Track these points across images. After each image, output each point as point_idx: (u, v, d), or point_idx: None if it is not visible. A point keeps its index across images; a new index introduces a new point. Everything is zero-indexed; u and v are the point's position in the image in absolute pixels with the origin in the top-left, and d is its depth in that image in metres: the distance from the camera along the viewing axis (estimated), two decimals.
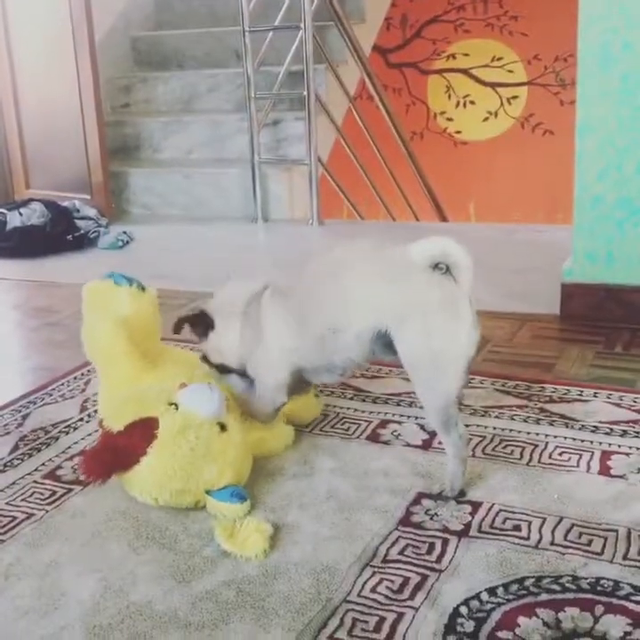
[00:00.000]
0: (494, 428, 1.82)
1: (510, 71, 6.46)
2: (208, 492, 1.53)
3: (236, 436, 1.61)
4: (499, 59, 6.48)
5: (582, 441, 1.74)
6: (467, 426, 1.81)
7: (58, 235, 3.77)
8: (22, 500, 1.62)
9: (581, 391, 1.97)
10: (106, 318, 1.75)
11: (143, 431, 1.54)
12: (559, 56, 6.23)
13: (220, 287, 1.84)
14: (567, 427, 1.81)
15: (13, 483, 1.68)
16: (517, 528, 1.45)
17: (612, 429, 1.79)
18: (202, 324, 1.78)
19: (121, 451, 1.53)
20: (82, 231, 3.82)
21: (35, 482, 1.68)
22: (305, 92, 3.80)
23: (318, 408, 1.91)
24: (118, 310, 1.77)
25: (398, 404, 1.96)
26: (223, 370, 1.80)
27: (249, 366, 1.76)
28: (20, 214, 3.86)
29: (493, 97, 6.55)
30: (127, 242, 3.79)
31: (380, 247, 1.64)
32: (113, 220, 4.12)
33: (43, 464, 1.74)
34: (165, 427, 1.54)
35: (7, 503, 1.61)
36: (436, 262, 1.54)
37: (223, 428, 1.58)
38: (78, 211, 3.98)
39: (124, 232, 3.83)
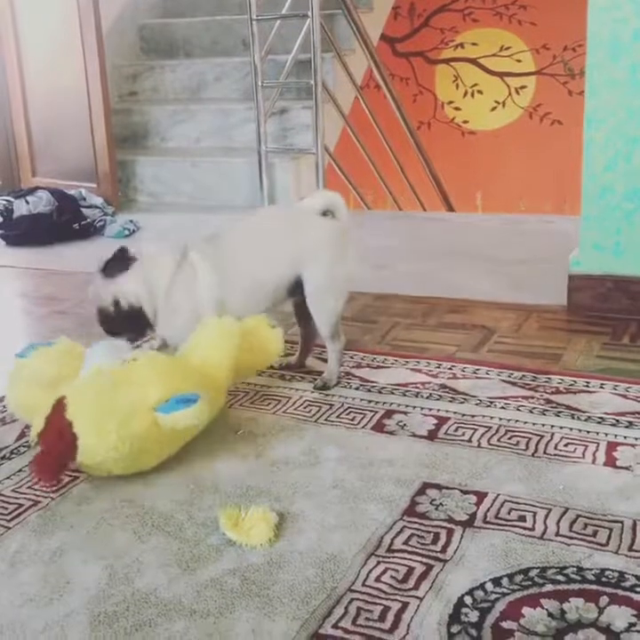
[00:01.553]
0: (500, 419, 1.82)
1: (518, 61, 6.43)
2: (156, 410, 1.55)
3: (153, 361, 1.65)
4: (507, 48, 6.44)
5: (588, 432, 1.74)
6: (472, 416, 1.83)
7: (64, 223, 3.77)
8: (28, 487, 1.62)
9: (588, 382, 1.97)
10: (14, 389, 1.77)
11: (56, 410, 1.56)
12: (568, 46, 6.19)
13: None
14: (573, 418, 1.80)
15: (20, 470, 1.69)
16: (522, 519, 1.45)
17: (618, 421, 1.78)
18: (120, 262, 1.85)
19: (56, 439, 1.54)
20: (88, 220, 3.83)
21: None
22: (312, 81, 3.79)
23: (277, 340, 1.89)
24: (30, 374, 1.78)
25: (404, 395, 1.96)
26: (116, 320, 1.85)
27: (169, 308, 1.84)
28: (27, 202, 3.86)
29: (501, 87, 6.52)
30: (133, 231, 3.79)
31: (281, 208, 2.15)
32: (120, 209, 4.13)
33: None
34: (69, 393, 1.58)
35: (13, 490, 1.61)
36: (324, 210, 1.96)
37: (130, 361, 1.64)
38: (85, 199, 3.98)
39: (131, 221, 3.83)
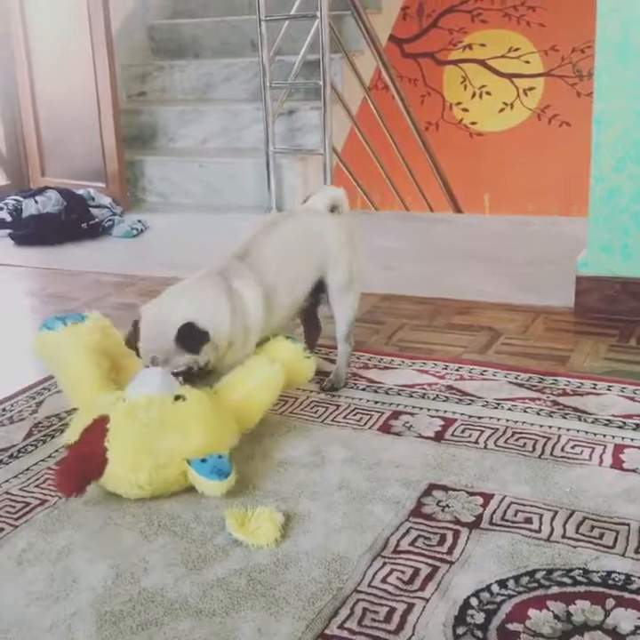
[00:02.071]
0: (507, 421, 1.81)
1: (527, 62, 6.42)
2: (190, 463, 1.53)
3: (201, 403, 1.61)
4: (515, 49, 6.43)
5: (595, 434, 1.74)
6: (479, 418, 1.83)
7: (73, 223, 3.78)
8: (35, 485, 1.63)
9: (595, 384, 1.97)
10: (61, 360, 1.76)
11: (96, 429, 1.55)
12: (576, 47, 6.18)
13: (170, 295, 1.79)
14: (580, 420, 1.80)
15: (27, 469, 1.70)
16: (529, 520, 1.45)
17: (625, 423, 1.78)
18: (201, 334, 1.68)
19: (85, 456, 1.52)
20: (96, 219, 3.84)
21: (48, 468, 1.68)
22: (320, 82, 3.79)
23: (310, 369, 1.88)
24: (63, 354, 1.76)
25: (411, 396, 1.96)
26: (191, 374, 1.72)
27: (231, 350, 1.76)
28: (36, 202, 3.88)
29: (510, 88, 6.51)
30: (141, 230, 3.80)
31: (294, 214, 2.09)
32: (128, 209, 4.13)
33: (56, 450, 1.75)
34: (114, 416, 1.56)
35: (20, 489, 1.62)
36: (332, 206, 2.00)
37: (179, 399, 1.60)
38: (93, 199, 4.00)
39: (139, 221, 3.84)
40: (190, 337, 1.67)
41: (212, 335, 1.69)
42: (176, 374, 1.69)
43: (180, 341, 1.66)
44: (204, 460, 1.53)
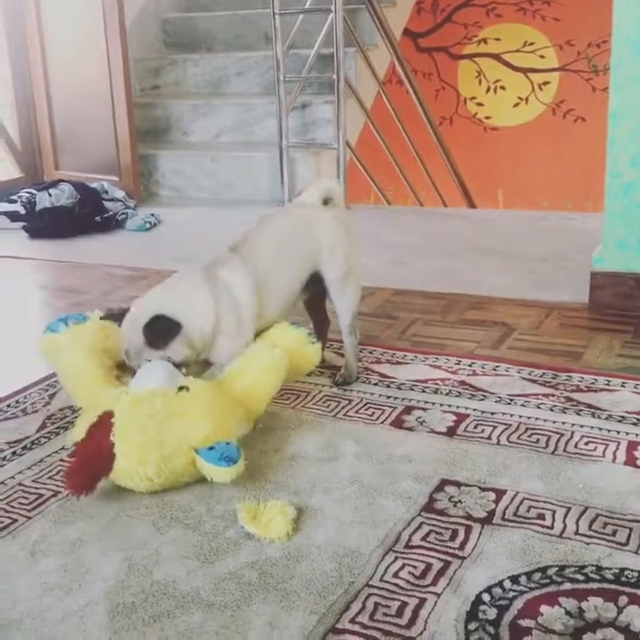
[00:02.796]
0: (520, 417, 1.81)
1: (542, 57, 6.39)
2: (197, 452, 1.53)
3: (204, 393, 1.62)
4: (530, 44, 6.40)
5: (609, 431, 1.73)
6: (492, 413, 1.82)
7: (86, 216, 3.79)
8: (49, 477, 1.63)
9: (609, 381, 1.96)
10: (63, 361, 1.77)
11: (102, 425, 1.55)
12: (592, 42, 6.15)
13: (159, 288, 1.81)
14: (594, 416, 1.79)
15: (40, 460, 1.70)
16: (541, 517, 1.44)
17: (638, 420, 1.77)
18: (167, 330, 1.69)
19: (93, 454, 1.53)
20: (110, 213, 3.85)
21: (61, 460, 1.69)
22: (334, 76, 3.78)
23: (316, 354, 1.85)
24: (65, 355, 1.77)
25: (423, 391, 1.96)
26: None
27: (220, 339, 1.76)
28: (50, 195, 3.89)
29: (524, 82, 6.48)
30: (154, 224, 3.80)
31: (290, 208, 2.09)
32: (141, 203, 4.14)
33: (72, 446, 1.75)
34: (118, 410, 1.56)
35: (34, 481, 1.63)
36: (325, 200, 1.99)
37: (182, 389, 1.60)
38: (107, 192, 4.01)
39: (152, 214, 3.85)
40: (157, 331, 1.68)
41: (185, 326, 1.69)
42: (178, 365, 1.70)
43: (147, 337, 1.68)
44: (211, 448, 1.53)
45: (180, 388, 1.61)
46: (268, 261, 1.87)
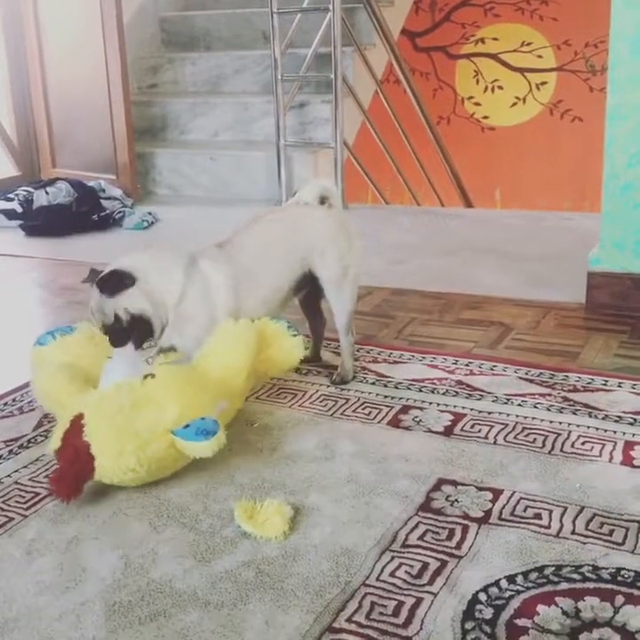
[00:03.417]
0: (517, 416, 1.81)
1: (540, 56, 6.38)
2: (174, 432, 1.53)
3: (170, 374, 1.63)
4: (528, 44, 6.39)
5: (605, 431, 1.73)
6: (489, 413, 1.82)
7: (83, 214, 3.79)
8: (45, 476, 1.63)
9: (605, 381, 1.96)
10: (39, 377, 1.77)
11: (74, 428, 1.55)
12: (589, 42, 6.14)
13: (141, 251, 1.84)
14: (590, 416, 1.80)
15: (37, 459, 1.70)
16: (538, 516, 1.44)
17: (635, 420, 1.77)
18: (117, 280, 1.72)
19: (72, 459, 1.53)
20: (107, 211, 3.84)
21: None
22: (332, 75, 3.77)
23: (298, 347, 1.83)
24: (56, 363, 1.77)
25: (420, 390, 1.96)
26: (122, 331, 1.74)
27: (180, 318, 1.77)
28: (47, 193, 3.88)
29: (522, 82, 6.47)
30: (152, 222, 3.80)
31: (284, 208, 2.06)
32: (138, 201, 4.14)
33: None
34: (88, 411, 1.56)
35: (30, 479, 1.63)
36: (321, 199, 1.98)
37: (148, 376, 1.61)
38: (104, 191, 4.00)
39: (149, 213, 3.85)
40: (109, 279, 1.71)
41: (140, 281, 1.71)
42: (117, 332, 1.71)
43: (100, 283, 1.71)
44: (186, 426, 1.53)
45: (146, 376, 1.62)
46: (251, 258, 1.87)
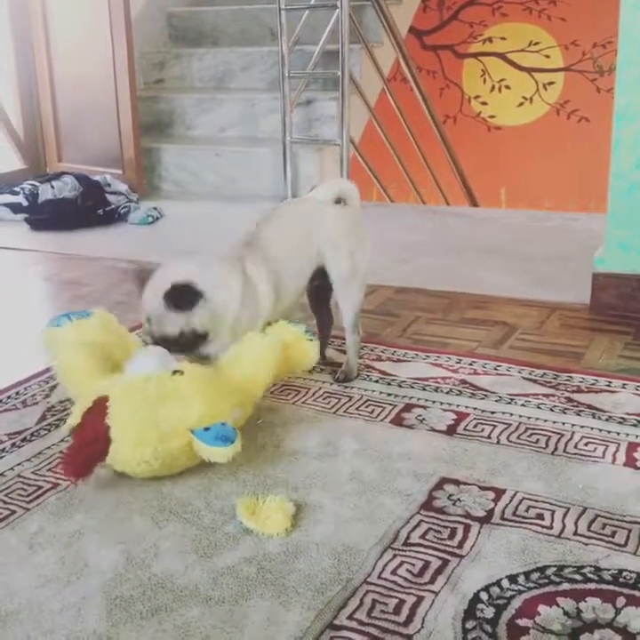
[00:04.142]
0: (520, 416, 1.81)
1: (547, 56, 6.38)
2: (194, 432, 1.53)
3: (197, 374, 1.63)
4: (536, 43, 6.39)
5: (609, 432, 1.73)
6: (492, 413, 1.82)
7: (88, 209, 3.79)
8: (48, 469, 1.63)
9: (609, 382, 1.96)
10: (61, 356, 1.77)
11: (97, 409, 1.55)
12: (597, 42, 6.13)
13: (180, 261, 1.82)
14: (594, 417, 1.79)
15: (40, 452, 1.70)
16: (540, 517, 1.44)
17: (639, 421, 1.77)
18: (188, 295, 1.70)
19: (90, 439, 1.53)
20: (112, 206, 3.84)
21: (61, 452, 1.69)
22: (339, 73, 3.77)
23: (313, 351, 1.85)
24: (64, 350, 1.78)
25: (424, 389, 1.95)
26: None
27: (233, 329, 1.77)
28: (52, 187, 3.89)
29: (529, 82, 6.47)
30: (157, 218, 3.80)
31: (298, 202, 2.08)
32: (144, 196, 4.14)
33: (69, 435, 1.75)
34: (113, 395, 1.57)
35: (33, 472, 1.63)
36: (337, 198, 2.00)
37: (177, 373, 1.61)
38: (109, 185, 4.00)
39: (155, 208, 3.85)
40: (181, 295, 1.69)
41: (208, 299, 1.71)
42: (173, 343, 1.71)
43: (169, 298, 1.68)
44: (207, 428, 1.53)
45: (174, 372, 1.62)
46: (281, 256, 1.88)
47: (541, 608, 1.21)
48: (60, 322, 1.81)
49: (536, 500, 1.49)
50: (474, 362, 2.10)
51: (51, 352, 1.82)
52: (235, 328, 1.78)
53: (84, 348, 1.74)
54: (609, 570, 1.30)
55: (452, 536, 1.39)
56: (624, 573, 1.29)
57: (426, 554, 1.35)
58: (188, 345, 1.75)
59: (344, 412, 1.86)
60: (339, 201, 2.01)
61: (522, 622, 1.19)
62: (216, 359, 1.77)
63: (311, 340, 1.85)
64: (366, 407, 1.87)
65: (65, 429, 1.64)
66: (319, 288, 2.01)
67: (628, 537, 1.38)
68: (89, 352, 1.74)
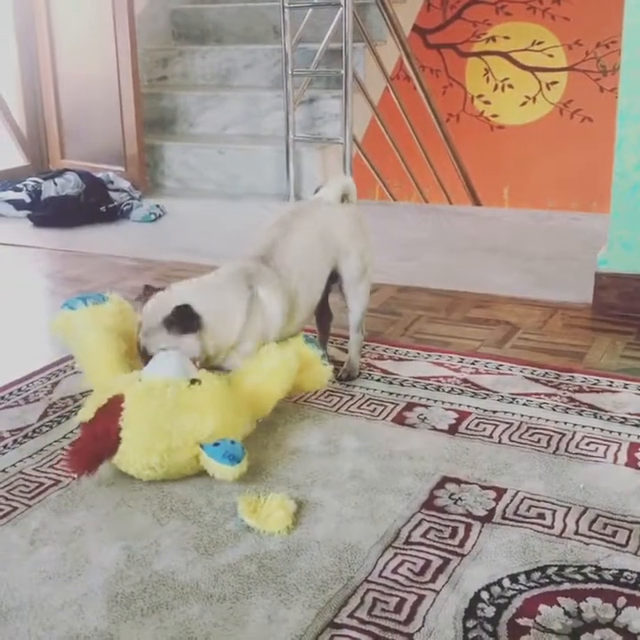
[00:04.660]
0: (522, 416, 1.81)
1: (550, 56, 6.36)
2: (202, 447, 1.53)
3: (216, 388, 1.62)
4: (539, 43, 6.37)
5: (610, 432, 1.73)
6: (494, 412, 1.82)
7: (91, 206, 3.79)
8: (49, 466, 1.64)
9: (611, 382, 1.96)
10: (80, 340, 1.76)
11: (112, 408, 1.55)
12: (601, 42, 6.12)
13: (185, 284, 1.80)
14: (596, 417, 1.79)
15: (41, 449, 1.70)
16: (542, 516, 1.44)
17: None
18: (187, 320, 1.68)
19: (100, 436, 1.53)
20: (115, 203, 3.84)
21: (63, 449, 1.69)
22: (342, 71, 3.77)
23: (326, 376, 1.84)
24: (82, 332, 1.77)
25: (425, 388, 1.95)
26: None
27: (238, 348, 1.76)
28: (55, 184, 3.88)
29: (532, 81, 6.46)
30: (159, 215, 3.80)
31: (304, 211, 2.01)
32: (147, 193, 4.13)
33: (71, 431, 1.76)
34: (130, 396, 1.56)
35: (34, 469, 1.63)
36: (342, 196, 2.01)
37: (194, 382, 1.60)
38: (112, 182, 4.00)
39: (157, 205, 3.84)
40: (179, 321, 1.67)
41: (205, 325, 1.69)
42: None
43: (168, 323, 1.67)
44: (216, 445, 1.53)
45: (193, 381, 1.61)
46: (298, 278, 1.85)
47: (542, 608, 1.22)
48: (74, 304, 1.79)
49: (537, 500, 1.49)
50: (476, 361, 2.09)
51: (63, 336, 1.80)
52: (239, 348, 1.76)
53: (105, 335, 1.73)
54: (610, 570, 1.30)
55: (453, 535, 1.39)
56: (625, 573, 1.29)
57: (427, 553, 1.35)
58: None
59: (346, 410, 1.86)
60: (343, 199, 2.02)
61: (522, 622, 1.19)
62: (234, 368, 1.77)
63: (325, 366, 1.83)
64: (368, 406, 1.87)
65: (77, 421, 1.63)
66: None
67: (629, 537, 1.38)
68: (109, 340, 1.73)
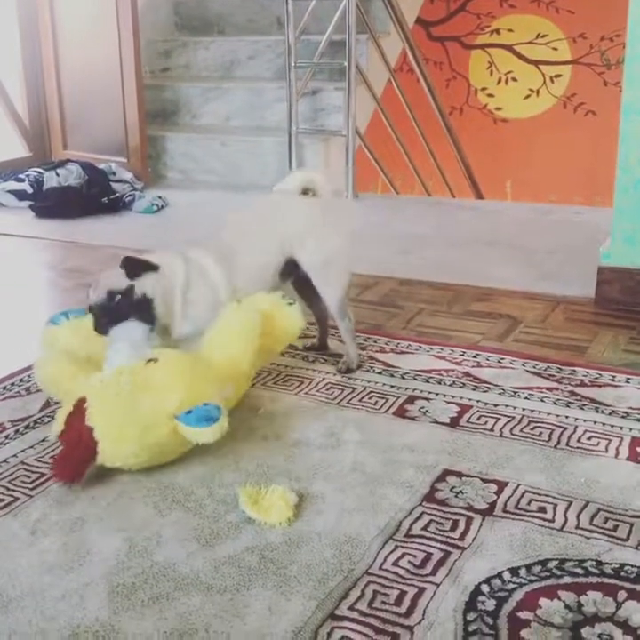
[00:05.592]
0: (523, 409, 1.81)
1: (554, 49, 6.34)
2: (177, 417, 1.53)
3: (172, 359, 1.63)
4: (543, 36, 6.35)
5: (612, 426, 1.73)
6: (495, 405, 1.82)
7: (93, 197, 3.79)
8: (51, 456, 1.64)
9: (613, 376, 1.95)
10: (44, 359, 1.77)
11: (77, 412, 1.55)
12: (605, 35, 6.10)
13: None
14: (597, 411, 1.79)
15: (43, 439, 1.70)
16: (543, 510, 1.44)
17: None
18: (142, 265, 1.78)
19: (75, 442, 1.53)
20: (117, 194, 3.84)
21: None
22: (345, 63, 3.76)
23: (296, 316, 1.83)
24: (62, 346, 1.79)
25: (427, 381, 1.95)
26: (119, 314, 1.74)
27: (187, 304, 1.80)
28: (57, 175, 3.88)
29: (536, 74, 6.44)
30: (162, 206, 3.79)
31: (266, 197, 2.11)
32: (149, 185, 4.13)
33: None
34: (90, 395, 1.57)
35: (36, 459, 1.63)
36: (303, 190, 2.01)
37: (151, 361, 1.61)
38: (114, 174, 4.00)
39: (159, 197, 3.84)
40: (130, 262, 1.75)
41: (159, 272, 1.77)
42: (108, 309, 1.72)
43: (125, 265, 1.75)
44: (189, 412, 1.53)
45: (149, 361, 1.62)
46: (236, 251, 1.89)
47: (542, 601, 1.22)
48: (57, 319, 1.83)
49: (538, 494, 1.49)
50: (477, 354, 2.09)
51: (48, 352, 1.81)
52: (200, 304, 1.80)
53: (62, 356, 1.74)
54: (610, 564, 1.30)
55: (454, 528, 1.40)
56: (625, 567, 1.29)
57: (428, 545, 1.35)
58: (136, 311, 1.73)
59: (347, 403, 1.86)
60: (306, 191, 2.02)
61: (523, 615, 1.19)
62: (193, 342, 1.77)
63: (291, 304, 1.83)
64: (369, 398, 1.87)
65: (52, 436, 1.63)
66: (303, 280, 1.99)
67: (629, 531, 1.38)
68: (69, 357, 1.73)
